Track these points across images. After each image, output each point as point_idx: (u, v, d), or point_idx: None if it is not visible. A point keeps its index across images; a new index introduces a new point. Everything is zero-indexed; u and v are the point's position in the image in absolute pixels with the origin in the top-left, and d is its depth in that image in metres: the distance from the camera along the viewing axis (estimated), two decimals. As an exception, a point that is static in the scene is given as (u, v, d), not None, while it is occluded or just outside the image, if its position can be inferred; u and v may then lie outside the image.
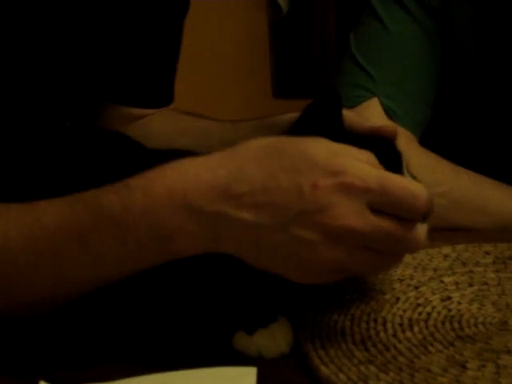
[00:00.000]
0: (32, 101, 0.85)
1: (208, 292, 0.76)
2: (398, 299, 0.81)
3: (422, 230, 0.69)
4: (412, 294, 0.82)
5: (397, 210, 0.66)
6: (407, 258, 0.89)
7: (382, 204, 0.66)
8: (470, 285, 0.84)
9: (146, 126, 1.01)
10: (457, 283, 0.84)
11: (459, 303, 0.80)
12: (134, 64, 0.99)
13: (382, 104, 1.06)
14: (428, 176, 1.03)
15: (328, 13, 1.48)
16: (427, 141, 1.09)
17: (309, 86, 1.99)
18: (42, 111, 0.87)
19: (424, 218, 0.67)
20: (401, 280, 0.85)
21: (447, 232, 0.99)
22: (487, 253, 0.90)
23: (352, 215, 0.65)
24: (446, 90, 1.13)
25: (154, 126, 1.01)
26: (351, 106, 1.06)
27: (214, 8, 2.93)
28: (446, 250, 0.91)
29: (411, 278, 0.85)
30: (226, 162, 0.68)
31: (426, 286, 0.83)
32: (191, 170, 0.68)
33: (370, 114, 1.06)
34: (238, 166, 0.67)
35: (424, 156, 1.06)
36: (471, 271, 0.86)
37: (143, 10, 0.94)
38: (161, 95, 1.05)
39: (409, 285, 0.84)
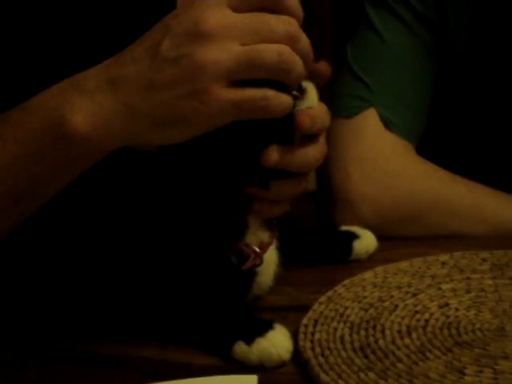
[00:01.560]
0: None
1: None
2: (396, 306, 0.82)
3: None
4: (410, 301, 0.83)
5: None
6: (405, 265, 0.90)
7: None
8: (468, 291, 0.84)
9: None
10: (454, 290, 0.85)
11: (457, 310, 0.81)
12: None
13: (379, 114, 1.07)
14: (425, 185, 1.04)
15: (325, 24, 1.49)
16: (424, 149, 1.10)
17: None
18: None
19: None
20: (399, 287, 0.86)
21: (445, 239, 1.00)
22: (484, 260, 0.91)
23: (215, 14, 0.67)
24: (442, 99, 1.14)
25: None
26: (348, 116, 1.07)
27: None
28: (444, 257, 0.92)
29: (409, 285, 0.86)
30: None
31: (424, 293, 0.84)
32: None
33: (367, 124, 1.07)
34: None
35: (421, 165, 1.07)
36: (468, 278, 0.87)
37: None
38: None
39: (407, 292, 0.85)
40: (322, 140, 0.78)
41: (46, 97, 0.71)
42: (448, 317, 0.79)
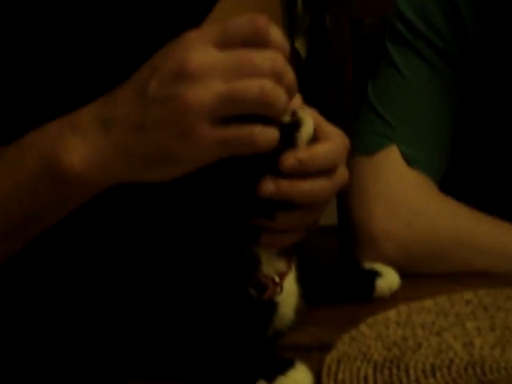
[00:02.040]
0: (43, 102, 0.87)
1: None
2: (420, 345, 0.81)
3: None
4: (434, 339, 0.82)
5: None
6: (429, 303, 0.90)
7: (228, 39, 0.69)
8: (492, 330, 0.84)
9: None
10: (479, 328, 0.84)
11: (481, 348, 0.80)
12: None
13: (400, 151, 1.07)
14: (449, 222, 1.04)
15: (345, 60, 1.49)
16: (447, 186, 1.10)
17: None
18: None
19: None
20: (423, 326, 0.85)
21: (468, 277, 1.00)
22: (508, 297, 0.90)
23: (198, 54, 0.68)
24: (464, 134, 1.14)
25: None
26: (370, 153, 1.08)
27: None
28: (468, 295, 0.92)
29: (433, 323, 0.86)
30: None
31: (448, 331, 0.84)
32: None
33: (389, 161, 1.07)
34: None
35: (444, 202, 1.06)
36: (493, 316, 0.87)
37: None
38: None
39: (431, 331, 0.84)
40: (339, 170, 0.79)
41: (42, 135, 0.73)
42: (472, 356, 0.79)
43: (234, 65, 0.68)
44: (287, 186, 0.75)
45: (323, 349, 0.82)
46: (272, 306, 0.82)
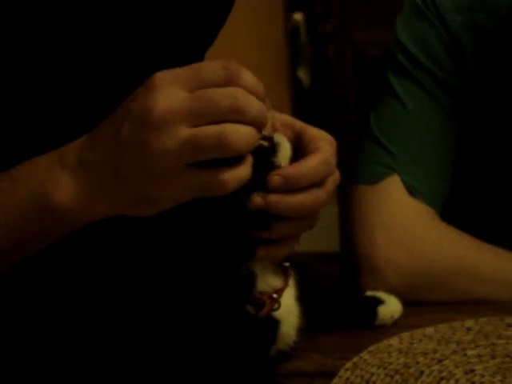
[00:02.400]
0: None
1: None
2: (421, 373, 0.82)
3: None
4: (436, 367, 0.83)
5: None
6: (430, 331, 0.91)
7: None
8: (493, 357, 0.85)
9: None
10: (480, 356, 0.85)
11: (482, 376, 0.81)
12: None
13: (402, 181, 1.08)
14: (450, 251, 1.05)
15: (348, 89, 1.51)
16: (448, 215, 1.11)
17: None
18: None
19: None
20: (424, 353, 0.86)
21: (470, 305, 1.01)
22: (509, 325, 0.91)
23: (164, 100, 0.69)
24: (465, 163, 1.15)
25: None
26: (373, 183, 1.09)
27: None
28: (469, 323, 0.93)
29: (435, 351, 0.86)
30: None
31: (449, 359, 0.85)
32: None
33: (391, 191, 1.08)
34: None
35: (445, 230, 1.07)
36: (494, 344, 0.87)
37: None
38: None
39: (432, 358, 0.85)
40: (330, 178, 0.80)
41: (34, 170, 0.75)
42: (473, 383, 0.79)
43: (196, 108, 0.69)
44: (275, 200, 0.76)
45: (326, 376, 0.83)
46: (273, 325, 0.83)
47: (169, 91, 0.69)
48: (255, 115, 0.70)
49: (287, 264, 0.84)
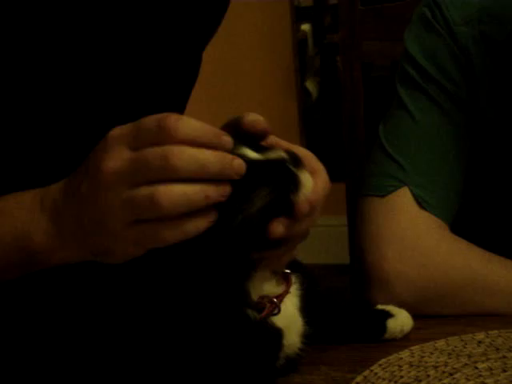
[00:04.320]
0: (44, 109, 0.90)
1: None
2: (433, 386, 0.82)
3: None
4: (447, 380, 0.83)
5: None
6: (441, 344, 0.91)
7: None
8: (504, 370, 0.84)
9: None
10: (491, 369, 0.85)
11: (494, 389, 0.81)
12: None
13: (412, 193, 1.08)
14: (460, 263, 1.05)
15: (357, 101, 1.51)
16: (458, 227, 1.11)
17: (339, 171, 2.01)
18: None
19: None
20: (435, 367, 0.86)
21: (480, 318, 1.00)
22: (520, 338, 0.91)
23: (110, 161, 0.71)
24: (475, 176, 1.15)
25: None
26: (382, 195, 1.09)
27: (244, 97, 2.98)
28: (480, 336, 0.93)
29: (445, 364, 0.86)
30: None
31: (460, 372, 0.85)
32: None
33: (401, 203, 1.08)
34: None
35: (456, 243, 1.07)
36: (504, 357, 0.87)
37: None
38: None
39: (443, 371, 0.85)
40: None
41: (19, 205, 0.79)
42: (485, 397, 0.80)
43: (133, 169, 0.70)
44: (297, 229, 0.78)
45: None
46: (278, 333, 0.83)
47: (115, 151, 0.71)
48: (191, 169, 0.69)
49: (288, 271, 0.85)
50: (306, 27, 3.08)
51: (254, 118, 0.78)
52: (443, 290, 1.04)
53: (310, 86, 3.02)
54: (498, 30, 1.12)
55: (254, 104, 2.91)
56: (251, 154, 0.76)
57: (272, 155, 0.77)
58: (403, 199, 1.08)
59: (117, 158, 0.71)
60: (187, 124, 0.70)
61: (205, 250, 0.74)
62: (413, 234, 1.06)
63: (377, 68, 2.44)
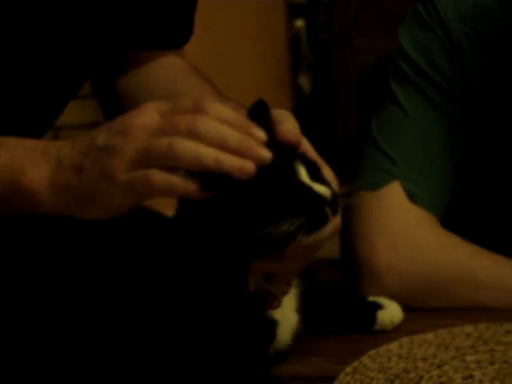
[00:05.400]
0: (49, 55, 0.95)
1: None
2: (421, 378, 0.82)
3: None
4: (435, 372, 0.84)
5: None
6: (430, 337, 0.91)
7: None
8: (492, 363, 0.85)
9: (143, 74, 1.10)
10: (479, 362, 0.86)
11: (481, 381, 0.81)
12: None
13: (403, 187, 1.09)
14: (450, 257, 1.06)
15: (350, 96, 1.52)
16: (449, 222, 1.12)
17: (331, 166, 2.01)
18: (60, 63, 0.97)
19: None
20: (424, 359, 0.86)
21: (469, 311, 1.01)
22: (508, 331, 0.92)
23: (141, 117, 0.76)
24: (466, 170, 1.16)
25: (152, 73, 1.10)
26: (374, 189, 1.09)
27: (238, 92, 2.98)
28: (468, 328, 0.93)
29: (434, 356, 0.87)
30: None
31: (448, 364, 0.85)
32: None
33: (392, 197, 1.09)
34: None
35: (446, 237, 1.08)
36: (492, 350, 0.88)
37: None
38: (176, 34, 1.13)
39: (432, 363, 0.85)
40: None
41: (21, 142, 0.81)
42: (472, 388, 0.80)
43: (161, 126, 0.75)
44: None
45: (326, 380, 0.83)
46: (273, 323, 0.84)
47: (148, 113, 0.76)
48: (212, 136, 0.74)
49: None
50: (299, 23, 3.09)
51: (289, 128, 0.80)
52: (433, 284, 1.05)
53: (304, 81, 3.03)
54: (490, 27, 1.12)
55: (247, 99, 2.91)
56: (304, 174, 0.78)
57: (320, 189, 0.78)
58: (394, 193, 1.09)
59: (148, 117, 0.76)
60: (221, 107, 0.76)
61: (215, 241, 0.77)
62: (403, 228, 1.07)
63: (361, 64, 2.43)
